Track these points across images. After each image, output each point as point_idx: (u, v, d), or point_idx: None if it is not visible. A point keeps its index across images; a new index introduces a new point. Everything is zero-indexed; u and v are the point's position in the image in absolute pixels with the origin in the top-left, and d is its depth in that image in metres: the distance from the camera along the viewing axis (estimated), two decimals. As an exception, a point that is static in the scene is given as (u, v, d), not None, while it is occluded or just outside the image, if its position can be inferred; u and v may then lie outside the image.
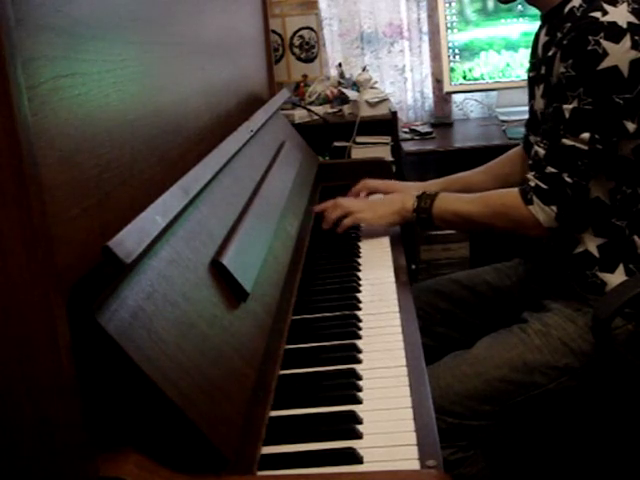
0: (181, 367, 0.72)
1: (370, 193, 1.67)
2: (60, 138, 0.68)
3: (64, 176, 0.68)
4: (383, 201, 1.48)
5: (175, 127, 1.05)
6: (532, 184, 1.27)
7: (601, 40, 1.17)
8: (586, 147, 1.21)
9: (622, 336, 1.28)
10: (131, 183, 0.84)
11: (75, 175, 0.70)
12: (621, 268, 1.29)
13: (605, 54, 1.17)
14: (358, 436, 0.82)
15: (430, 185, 1.63)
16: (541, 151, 1.27)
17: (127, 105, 0.86)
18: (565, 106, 1.22)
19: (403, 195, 1.45)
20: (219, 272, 0.92)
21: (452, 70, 2.61)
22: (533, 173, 1.28)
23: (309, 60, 2.64)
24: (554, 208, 1.25)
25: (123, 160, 0.83)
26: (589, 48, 1.18)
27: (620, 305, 1.21)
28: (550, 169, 1.25)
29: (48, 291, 0.59)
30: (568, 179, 1.23)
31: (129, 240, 0.69)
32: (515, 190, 1.30)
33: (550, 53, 1.29)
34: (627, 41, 1.17)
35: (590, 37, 1.18)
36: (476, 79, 2.62)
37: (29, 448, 0.63)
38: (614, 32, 1.18)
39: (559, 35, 1.28)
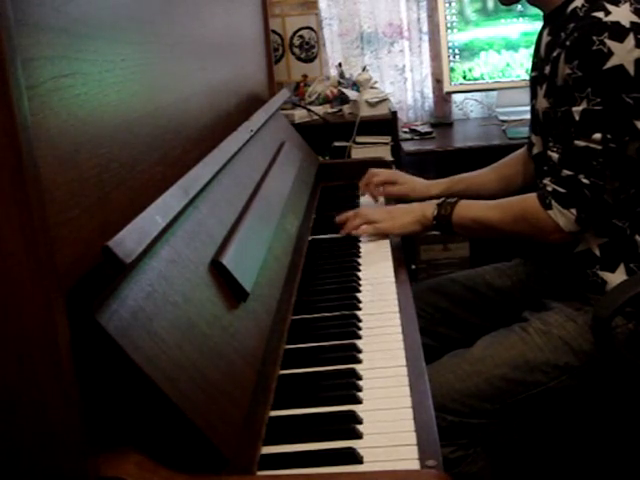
0: (181, 367, 0.72)
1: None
2: (60, 138, 0.68)
3: (64, 176, 0.68)
4: (403, 210, 1.46)
5: (175, 127, 1.05)
6: (549, 189, 1.26)
7: (605, 40, 1.17)
8: (600, 147, 1.21)
9: (622, 335, 1.28)
10: (131, 183, 0.84)
11: (75, 175, 0.70)
12: (622, 267, 1.29)
13: (610, 53, 1.17)
14: (358, 436, 0.82)
15: (435, 184, 1.62)
16: (555, 155, 1.27)
17: (127, 105, 0.86)
18: (575, 108, 1.22)
19: (422, 204, 1.44)
20: (219, 272, 0.91)
21: (452, 70, 2.61)
22: (549, 178, 1.27)
23: (309, 60, 2.64)
24: (573, 211, 1.24)
25: (123, 160, 0.83)
26: (594, 48, 1.18)
27: (621, 304, 1.21)
28: (566, 172, 1.24)
29: (48, 291, 0.59)
30: (585, 180, 1.22)
31: (129, 240, 0.69)
32: (534, 195, 1.29)
33: (554, 54, 1.29)
34: (631, 40, 1.18)
35: (594, 37, 1.18)
36: (476, 79, 2.61)
37: (29, 448, 0.63)
38: (618, 31, 1.18)
39: (562, 35, 1.28)
